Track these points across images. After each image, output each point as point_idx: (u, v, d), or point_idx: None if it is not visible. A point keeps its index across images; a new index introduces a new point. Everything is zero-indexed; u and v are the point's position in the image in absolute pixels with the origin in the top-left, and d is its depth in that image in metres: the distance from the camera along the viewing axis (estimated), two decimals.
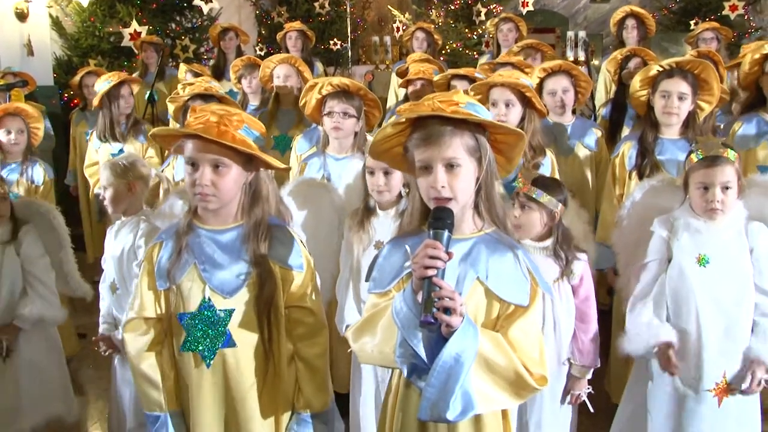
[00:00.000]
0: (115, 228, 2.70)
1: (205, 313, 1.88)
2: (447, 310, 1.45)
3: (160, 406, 1.93)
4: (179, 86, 3.71)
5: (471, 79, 3.80)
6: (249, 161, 1.87)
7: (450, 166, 1.56)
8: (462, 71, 3.98)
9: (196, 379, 1.89)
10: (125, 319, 1.99)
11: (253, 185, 1.91)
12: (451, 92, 1.61)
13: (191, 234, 1.91)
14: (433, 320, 1.44)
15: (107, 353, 2.66)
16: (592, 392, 2.49)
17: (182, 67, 5.26)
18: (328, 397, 2.01)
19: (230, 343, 1.88)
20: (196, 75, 4.76)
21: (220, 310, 1.87)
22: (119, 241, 2.64)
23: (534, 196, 2.35)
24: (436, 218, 1.53)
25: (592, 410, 2.50)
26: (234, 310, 1.88)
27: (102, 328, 2.69)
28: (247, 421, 1.90)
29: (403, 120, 1.59)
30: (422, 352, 1.51)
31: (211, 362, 1.88)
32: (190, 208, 1.96)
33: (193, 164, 1.82)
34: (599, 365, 2.48)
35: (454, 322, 1.45)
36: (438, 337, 1.49)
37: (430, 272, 1.46)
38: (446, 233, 1.50)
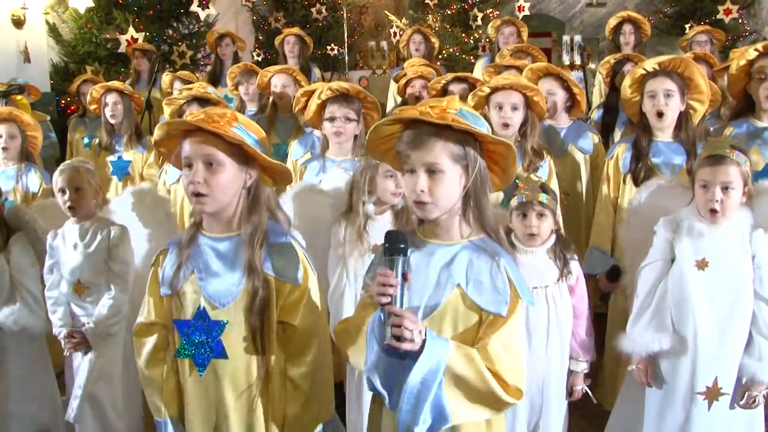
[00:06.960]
0: (71, 234, 2.71)
1: (199, 322, 1.85)
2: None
3: (161, 412, 1.91)
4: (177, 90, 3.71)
5: (470, 83, 3.82)
6: (245, 161, 1.82)
7: (432, 172, 1.57)
8: (461, 74, 3.99)
9: (190, 386, 1.87)
10: (135, 323, 1.98)
11: (252, 191, 1.86)
12: (444, 98, 1.61)
13: (193, 242, 1.89)
14: (391, 347, 1.51)
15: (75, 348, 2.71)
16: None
17: (165, 78, 4.99)
18: (313, 416, 1.90)
19: (222, 354, 1.83)
20: (185, 82, 4.64)
21: (213, 320, 1.84)
22: (88, 245, 2.68)
23: (542, 200, 2.37)
24: (389, 244, 1.57)
25: (595, 401, 2.56)
26: (227, 321, 1.83)
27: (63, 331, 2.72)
28: None
29: (391, 120, 1.61)
30: (378, 384, 1.61)
31: (204, 371, 1.85)
32: (195, 219, 1.94)
33: (189, 165, 1.79)
34: (595, 358, 2.54)
35: (407, 347, 1.49)
36: (410, 359, 1.53)
37: (384, 300, 1.52)
38: (400, 258, 1.55)
